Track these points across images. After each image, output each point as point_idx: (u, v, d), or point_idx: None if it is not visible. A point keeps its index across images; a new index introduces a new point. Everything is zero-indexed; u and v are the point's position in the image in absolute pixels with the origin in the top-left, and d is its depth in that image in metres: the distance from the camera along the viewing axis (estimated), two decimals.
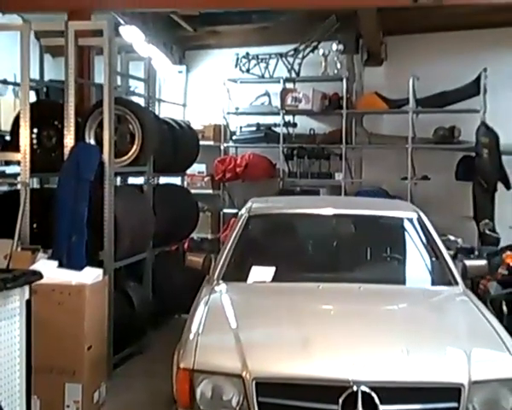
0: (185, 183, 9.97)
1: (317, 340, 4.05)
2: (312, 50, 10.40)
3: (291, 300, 4.81)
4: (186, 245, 10.02)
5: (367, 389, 3.67)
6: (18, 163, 7.26)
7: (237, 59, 10.73)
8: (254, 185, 10.35)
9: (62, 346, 5.53)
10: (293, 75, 10.58)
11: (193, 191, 9.93)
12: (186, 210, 9.06)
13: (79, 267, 5.95)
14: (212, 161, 10.83)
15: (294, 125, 10.86)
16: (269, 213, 6.00)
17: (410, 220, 5.70)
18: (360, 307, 4.68)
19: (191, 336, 4.19)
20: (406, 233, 5.70)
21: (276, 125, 10.79)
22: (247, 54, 10.72)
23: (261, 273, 5.16)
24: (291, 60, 10.51)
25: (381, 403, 3.66)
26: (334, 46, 10.20)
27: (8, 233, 6.41)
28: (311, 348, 3.95)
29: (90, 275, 5.85)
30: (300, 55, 10.47)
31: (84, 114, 7.10)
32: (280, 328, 4.32)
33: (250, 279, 5.13)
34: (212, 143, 10.89)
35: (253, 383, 3.77)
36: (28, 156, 6.82)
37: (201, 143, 9.73)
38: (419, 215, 5.69)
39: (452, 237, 8.93)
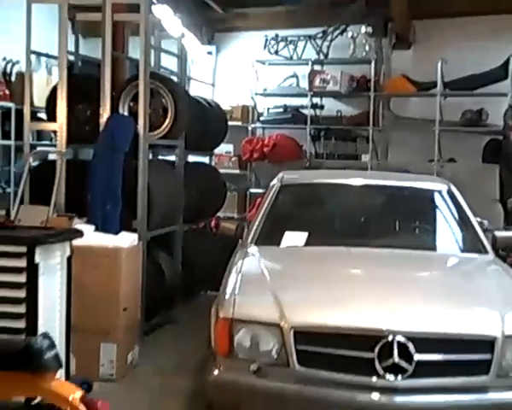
0: (213, 162, 10.09)
1: (353, 294, 4.17)
2: (341, 33, 10.49)
3: (324, 262, 4.92)
4: (213, 223, 10.16)
5: (402, 339, 3.77)
6: (54, 133, 7.46)
7: (266, 41, 10.84)
8: (281, 166, 10.43)
9: (98, 307, 5.67)
10: (322, 57, 10.67)
11: (220, 171, 10.05)
12: (214, 188, 9.19)
13: (114, 233, 6.08)
14: (239, 141, 10.95)
15: (322, 107, 10.96)
16: (300, 183, 6.11)
17: (440, 192, 5.79)
18: (393, 269, 4.78)
19: (229, 290, 4.31)
20: (437, 203, 5.77)
21: (303, 106, 10.89)
22: (276, 36, 10.83)
23: (294, 238, 5.25)
24: (319, 42, 10.61)
25: (416, 353, 3.75)
26: (363, 29, 10.29)
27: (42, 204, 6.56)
28: (347, 301, 4.07)
29: (126, 239, 5.99)
30: (329, 38, 10.56)
31: (119, 88, 7.23)
32: (315, 284, 4.43)
33: (283, 244, 5.23)
34: (239, 123, 11.01)
35: (292, 331, 3.89)
36: (65, 127, 6.98)
37: (229, 123, 9.85)
38: (449, 187, 5.77)
39: (478, 219, 8.97)
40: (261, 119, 11.23)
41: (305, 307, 4.08)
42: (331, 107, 10.93)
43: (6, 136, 9.11)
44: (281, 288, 4.26)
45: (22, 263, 4.39)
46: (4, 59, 9.43)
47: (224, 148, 10.70)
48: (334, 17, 10.39)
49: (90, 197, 6.56)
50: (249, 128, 11.15)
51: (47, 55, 8.50)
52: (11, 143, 9.00)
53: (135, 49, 7.37)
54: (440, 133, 9.89)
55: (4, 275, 4.42)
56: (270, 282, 4.42)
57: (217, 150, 9.95)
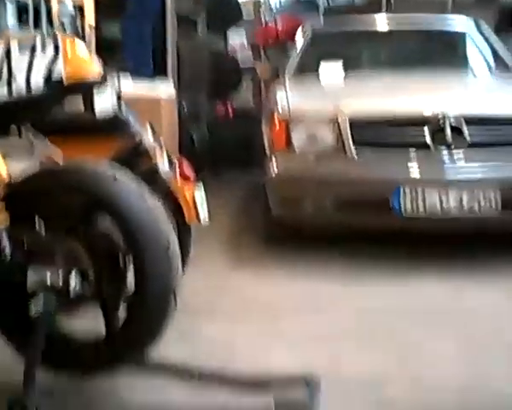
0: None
1: (407, 86, 4.39)
2: None
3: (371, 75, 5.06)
4: (231, 112, 10.32)
5: (454, 120, 3.97)
6: None
7: None
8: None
9: None
10: None
11: None
12: (230, 66, 9.33)
13: (148, 75, 6.23)
14: (251, 34, 11.01)
15: None
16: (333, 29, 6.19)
17: (470, 26, 5.92)
18: (437, 76, 4.88)
19: (281, 96, 4.51)
20: (469, 35, 5.88)
21: None
22: None
23: (331, 68, 5.34)
24: None
25: (470, 135, 3.97)
26: None
27: None
28: (401, 92, 4.31)
29: (163, 89, 6.12)
30: None
31: None
32: (367, 83, 4.63)
33: (321, 72, 5.33)
34: (252, 18, 11.07)
35: (347, 121, 4.10)
36: None
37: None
38: (477, 22, 5.91)
39: None
40: (273, 9, 11.28)
41: (359, 99, 4.30)
42: None
43: None
44: (332, 88, 4.47)
45: None
46: None
47: (237, 37, 10.75)
48: None
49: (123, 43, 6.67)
50: (262, 20, 11.20)
51: None
52: None
53: None
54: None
55: None
56: (321, 85, 4.63)
57: (230, 41, 10.01)
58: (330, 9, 10.86)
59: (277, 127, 4.32)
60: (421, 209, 3.91)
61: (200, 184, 3.35)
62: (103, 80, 2.78)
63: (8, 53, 2.67)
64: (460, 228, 4.05)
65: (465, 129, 3.97)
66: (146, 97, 5.93)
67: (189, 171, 3.42)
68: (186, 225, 3.20)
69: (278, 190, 4.28)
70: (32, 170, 2.60)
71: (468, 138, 3.97)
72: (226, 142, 8.51)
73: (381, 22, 6.24)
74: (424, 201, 3.90)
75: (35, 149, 3.08)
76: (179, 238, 3.02)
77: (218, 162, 8.65)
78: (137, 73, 6.39)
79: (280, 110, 4.39)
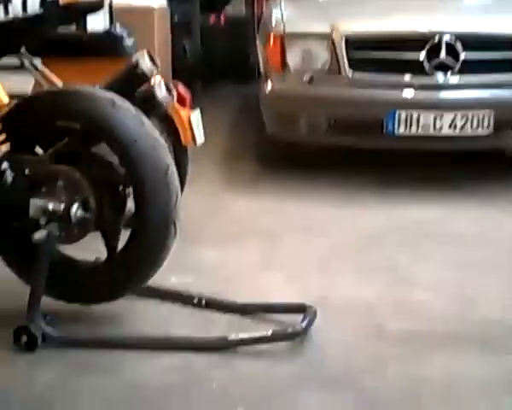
0: None
1: (403, 6, 4.33)
2: None
3: None
4: (223, 20, 10.15)
5: (450, 38, 3.95)
6: None
7: None
8: None
9: None
10: None
11: None
12: None
13: None
14: None
15: None
16: None
17: None
18: None
19: (276, 13, 4.47)
20: None
21: None
22: None
23: None
24: None
25: (463, 51, 3.96)
26: None
27: None
28: (396, 11, 4.26)
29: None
30: None
31: None
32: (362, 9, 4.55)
33: None
34: None
35: (343, 40, 4.07)
36: None
37: None
38: None
39: None
40: None
41: (355, 17, 4.27)
42: None
43: None
44: (328, 5, 4.42)
45: None
46: None
47: None
48: None
49: None
50: None
51: None
52: None
53: None
54: None
55: None
56: (317, 1, 4.58)
57: None
58: None
59: (272, 45, 4.29)
60: (413, 129, 3.94)
61: (197, 109, 3.38)
62: (99, 2, 2.76)
63: None
64: (452, 147, 4.11)
65: (459, 47, 3.96)
66: (139, 8, 5.86)
67: (184, 93, 3.44)
68: (183, 147, 3.25)
69: (273, 107, 4.30)
70: (29, 92, 2.61)
71: (462, 57, 3.97)
72: (219, 52, 8.44)
73: None
74: (418, 122, 3.93)
75: (31, 69, 3.08)
76: (176, 160, 3.08)
77: (211, 73, 8.61)
78: None
79: (274, 28, 4.35)
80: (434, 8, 4.27)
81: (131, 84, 2.69)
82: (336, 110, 4.12)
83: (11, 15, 2.63)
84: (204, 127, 3.31)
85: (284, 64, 4.21)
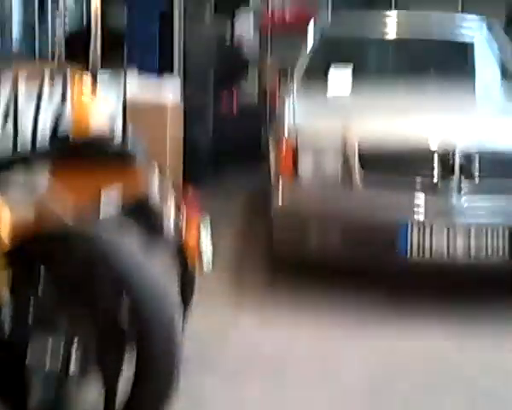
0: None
1: (416, 106, 4.40)
2: None
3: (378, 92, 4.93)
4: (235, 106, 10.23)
5: (463, 155, 3.92)
6: None
7: None
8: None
9: None
10: None
11: None
12: (236, 54, 9.30)
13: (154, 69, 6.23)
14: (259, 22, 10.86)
15: None
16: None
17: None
18: (446, 96, 4.84)
19: (289, 118, 4.48)
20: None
21: None
22: None
23: (340, 75, 5.23)
24: None
25: (477, 169, 3.92)
26: None
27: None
28: (410, 115, 4.30)
29: (170, 88, 6.05)
30: None
31: None
32: (376, 99, 4.62)
33: (330, 80, 5.21)
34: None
35: (356, 150, 4.05)
36: None
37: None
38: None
39: None
40: None
41: (368, 122, 4.28)
42: None
43: None
44: (341, 103, 4.50)
45: None
46: None
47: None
48: None
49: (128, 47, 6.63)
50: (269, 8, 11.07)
51: None
52: None
53: None
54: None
55: None
56: (329, 99, 4.63)
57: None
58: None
59: (284, 154, 4.26)
60: (427, 253, 3.88)
61: (207, 222, 3.30)
62: (109, 137, 2.74)
63: (15, 99, 2.62)
64: (466, 274, 4.04)
65: (475, 167, 3.93)
66: (152, 104, 5.88)
67: (194, 207, 3.37)
68: (190, 273, 3.17)
69: (282, 224, 4.21)
70: (36, 222, 2.54)
71: (476, 177, 3.93)
72: (230, 140, 8.49)
73: (392, 23, 6.13)
74: (431, 244, 3.87)
75: (37, 185, 3.03)
76: (182, 286, 3.01)
77: (221, 163, 8.62)
78: (143, 67, 6.32)
79: (287, 133, 4.34)
80: (449, 111, 4.33)
81: (141, 215, 2.65)
82: (347, 228, 4.00)
83: (19, 149, 2.57)
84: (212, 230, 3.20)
85: (296, 173, 4.16)
